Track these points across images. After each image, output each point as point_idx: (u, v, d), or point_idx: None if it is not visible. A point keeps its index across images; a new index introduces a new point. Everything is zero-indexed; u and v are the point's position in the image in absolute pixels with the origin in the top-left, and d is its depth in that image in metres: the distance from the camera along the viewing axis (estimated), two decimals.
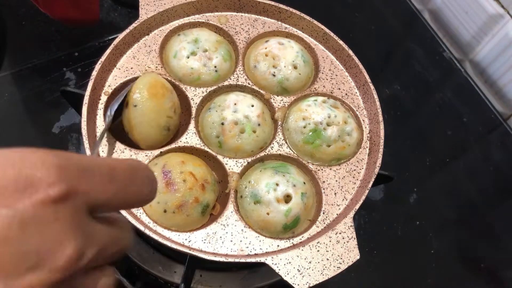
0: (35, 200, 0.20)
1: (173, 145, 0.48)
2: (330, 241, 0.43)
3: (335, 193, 0.48)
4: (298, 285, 0.41)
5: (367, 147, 0.52)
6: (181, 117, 0.51)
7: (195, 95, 0.51)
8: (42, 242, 0.20)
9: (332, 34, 0.57)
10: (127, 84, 0.49)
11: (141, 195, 0.26)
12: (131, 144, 0.48)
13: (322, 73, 0.56)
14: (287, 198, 0.46)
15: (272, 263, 0.41)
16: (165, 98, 0.46)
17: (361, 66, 0.55)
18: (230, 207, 0.46)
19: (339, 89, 0.55)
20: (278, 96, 0.53)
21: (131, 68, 0.52)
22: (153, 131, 0.46)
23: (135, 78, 0.49)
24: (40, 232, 0.20)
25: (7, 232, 0.19)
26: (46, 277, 0.20)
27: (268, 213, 0.45)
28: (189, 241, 0.43)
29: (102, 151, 0.46)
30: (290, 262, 0.42)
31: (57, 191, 0.20)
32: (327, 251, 0.43)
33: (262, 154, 0.49)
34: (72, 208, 0.21)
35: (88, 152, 0.44)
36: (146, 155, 0.47)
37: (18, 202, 0.20)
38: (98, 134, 0.47)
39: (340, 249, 0.43)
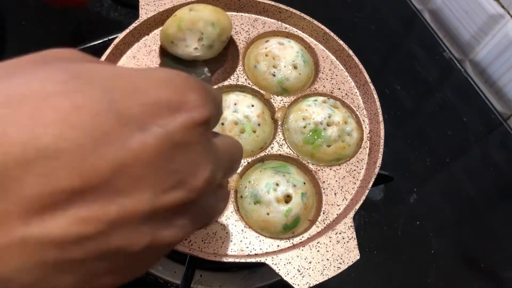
0: (185, 122, 0.21)
1: None
2: (330, 241, 0.43)
3: (335, 193, 0.48)
4: (298, 285, 0.41)
5: (367, 147, 0.52)
6: None
7: None
8: (187, 163, 0.21)
9: (332, 34, 0.57)
10: None
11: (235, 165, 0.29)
12: None
13: (322, 73, 0.56)
14: (287, 198, 0.46)
15: (272, 263, 0.41)
16: None
17: (361, 66, 0.55)
18: (230, 207, 0.46)
19: (339, 89, 0.55)
20: (278, 96, 0.53)
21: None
22: None
23: None
24: (185, 153, 0.21)
25: (159, 149, 0.19)
26: (185, 196, 0.21)
27: (268, 213, 0.45)
28: (189, 241, 0.43)
29: None
30: (290, 262, 0.42)
31: (202, 115, 0.22)
32: (327, 251, 0.43)
33: (262, 154, 0.49)
34: (209, 132, 0.23)
35: None
36: None
37: (170, 123, 0.20)
38: None
39: (340, 249, 0.43)
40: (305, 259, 0.42)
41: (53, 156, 0.17)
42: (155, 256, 0.22)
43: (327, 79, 0.56)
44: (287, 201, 0.45)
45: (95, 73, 0.20)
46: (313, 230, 0.46)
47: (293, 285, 0.41)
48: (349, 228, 0.44)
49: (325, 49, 0.59)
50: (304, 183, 0.47)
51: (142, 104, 0.20)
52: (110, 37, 0.71)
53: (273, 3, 0.58)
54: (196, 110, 0.21)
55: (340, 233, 0.44)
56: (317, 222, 0.46)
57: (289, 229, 0.45)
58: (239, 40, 0.57)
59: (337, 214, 0.47)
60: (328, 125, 0.50)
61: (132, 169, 0.19)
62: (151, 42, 0.54)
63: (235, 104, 0.50)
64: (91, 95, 0.18)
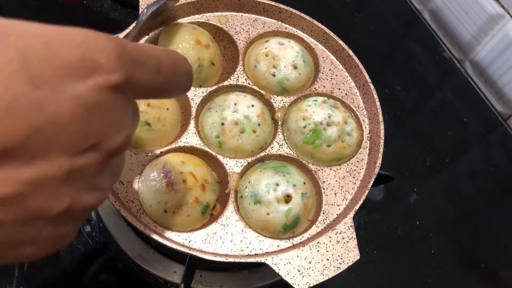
0: (99, 84, 0.20)
1: (173, 145, 0.48)
2: (330, 241, 0.43)
3: (335, 193, 0.48)
4: (298, 285, 0.41)
5: (367, 147, 0.52)
6: (174, 114, 0.51)
7: (195, 95, 0.51)
8: (102, 126, 0.21)
9: (332, 34, 0.57)
10: None
11: (179, 88, 0.27)
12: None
13: (322, 73, 0.56)
14: (287, 198, 0.46)
15: (272, 263, 0.41)
16: None
17: (361, 66, 0.55)
18: (230, 207, 0.46)
19: (339, 89, 0.55)
20: (278, 96, 0.53)
21: None
22: None
23: None
24: (100, 116, 0.21)
25: (73, 112, 0.19)
26: (100, 158, 0.21)
27: (268, 213, 0.45)
28: (189, 241, 0.43)
29: None
30: (290, 262, 0.42)
31: (118, 79, 0.21)
32: (327, 251, 0.43)
33: (262, 154, 0.49)
34: (127, 96, 0.23)
35: None
36: (146, 155, 0.47)
37: (83, 84, 0.20)
38: None
39: (340, 249, 0.43)
40: (305, 259, 0.42)
41: None
42: (75, 222, 0.22)
43: (327, 79, 0.56)
44: (287, 201, 0.45)
45: (11, 29, 0.19)
46: (313, 230, 0.46)
47: (293, 285, 0.41)
48: (349, 228, 0.44)
49: (325, 49, 0.59)
50: (304, 183, 0.47)
51: (55, 65, 0.19)
52: None
53: (273, 3, 0.58)
54: (108, 73, 0.21)
55: (340, 233, 0.44)
56: (317, 222, 0.46)
57: (289, 229, 0.45)
58: (239, 40, 0.57)
59: (337, 214, 0.47)
60: (328, 125, 0.50)
61: (46, 132, 0.19)
62: (151, 42, 0.54)
63: (235, 104, 0.50)
64: (4, 54, 0.18)
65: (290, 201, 0.45)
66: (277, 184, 0.46)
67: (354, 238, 0.44)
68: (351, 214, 0.45)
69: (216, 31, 0.57)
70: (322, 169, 0.50)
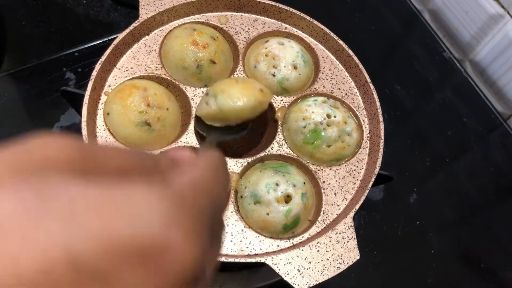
0: (167, 279, 0.15)
1: (173, 145, 0.48)
2: (330, 241, 0.43)
3: (335, 193, 0.48)
4: (298, 285, 0.41)
5: (367, 147, 0.52)
6: (174, 114, 0.51)
7: (195, 95, 0.51)
8: None
9: (332, 34, 0.57)
10: None
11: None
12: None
13: (322, 73, 0.56)
14: (287, 198, 0.46)
15: (272, 263, 0.41)
16: (132, 96, 0.47)
17: (361, 66, 0.55)
18: (230, 207, 0.46)
19: (339, 89, 0.55)
20: (278, 96, 0.53)
21: (131, 68, 0.52)
22: (129, 130, 0.46)
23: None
24: None
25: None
26: None
27: (268, 213, 0.45)
28: None
29: None
30: (290, 262, 0.42)
31: (192, 268, 0.16)
32: (327, 251, 0.43)
33: (262, 154, 0.49)
34: None
35: None
36: None
37: (144, 280, 0.15)
38: (98, 134, 0.47)
39: (340, 249, 0.43)
40: (305, 259, 0.42)
41: None
42: None
43: (327, 79, 0.56)
44: (287, 201, 0.45)
45: (67, 203, 0.15)
46: (313, 230, 0.46)
47: (293, 285, 0.41)
48: (349, 228, 0.44)
49: (325, 49, 0.59)
50: (304, 183, 0.47)
51: (106, 251, 0.14)
52: (110, 37, 0.71)
53: (273, 3, 0.58)
54: (183, 262, 0.15)
55: (340, 233, 0.44)
56: (317, 222, 0.46)
57: (289, 229, 0.45)
58: (239, 40, 0.57)
59: (337, 214, 0.47)
60: (328, 125, 0.50)
61: None
62: (151, 42, 0.54)
63: None
64: (48, 233, 0.14)
65: (290, 201, 0.45)
66: (277, 184, 0.46)
67: (354, 238, 0.44)
68: (351, 214, 0.45)
69: (216, 31, 0.57)
70: (322, 169, 0.50)
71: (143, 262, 0.14)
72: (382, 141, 0.50)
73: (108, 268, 0.14)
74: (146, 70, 0.52)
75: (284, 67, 0.54)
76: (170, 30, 0.55)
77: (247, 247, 0.43)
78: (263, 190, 0.45)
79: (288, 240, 0.45)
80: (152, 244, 0.14)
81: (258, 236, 0.44)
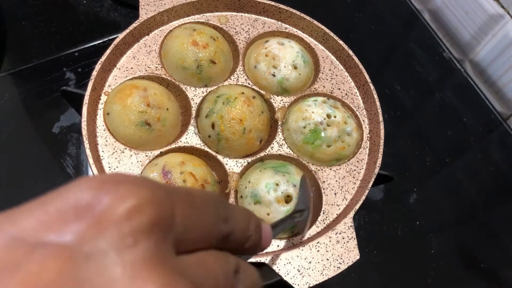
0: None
1: (173, 145, 0.48)
2: (330, 241, 0.43)
3: (335, 193, 0.48)
4: (298, 285, 0.41)
5: (367, 147, 0.52)
6: (174, 114, 0.51)
7: (195, 95, 0.51)
8: None
9: (332, 34, 0.57)
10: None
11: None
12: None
13: (322, 73, 0.56)
14: (287, 198, 0.46)
15: (272, 263, 0.41)
16: (132, 96, 0.47)
17: (361, 66, 0.55)
18: None
19: (339, 89, 0.55)
20: (278, 96, 0.53)
21: (131, 68, 0.52)
22: (129, 130, 0.46)
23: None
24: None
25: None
26: None
27: (268, 214, 0.45)
28: None
29: (102, 150, 0.46)
30: (290, 262, 0.42)
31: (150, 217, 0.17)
32: (327, 251, 0.43)
33: (262, 154, 0.49)
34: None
35: (88, 152, 0.44)
36: (146, 155, 0.47)
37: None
38: (98, 134, 0.47)
39: (340, 249, 0.43)
40: (305, 259, 0.42)
41: None
42: None
43: (327, 79, 0.56)
44: (287, 201, 0.45)
45: None
46: (313, 230, 0.46)
47: (293, 285, 0.41)
48: (349, 228, 0.44)
49: (325, 49, 0.59)
50: None
51: None
52: (110, 37, 0.71)
53: (273, 3, 0.58)
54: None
55: (340, 233, 0.44)
56: (317, 222, 0.46)
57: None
58: (239, 40, 0.57)
59: (337, 214, 0.47)
60: (328, 125, 0.50)
61: None
62: (151, 42, 0.54)
63: None
64: None
65: (290, 201, 0.45)
66: (277, 184, 0.46)
67: (354, 238, 0.44)
68: (351, 214, 0.45)
69: (216, 31, 0.57)
70: (322, 169, 0.50)
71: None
72: (382, 141, 0.50)
73: None
74: (146, 70, 0.52)
75: (284, 67, 0.54)
76: (170, 30, 0.55)
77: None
78: (263, 190, 0.45)
79: (288, 240, 0.45)
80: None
81: None
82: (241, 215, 0.23)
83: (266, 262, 0.41)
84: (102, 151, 0.46)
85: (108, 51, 0.50)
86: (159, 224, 0.16)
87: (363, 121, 0.54)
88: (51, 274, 0.14)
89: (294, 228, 0.45)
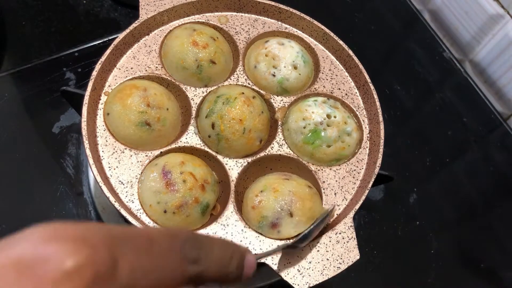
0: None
1: (173, 145, 0.48)
2: (330, 241, 0.43)
3: (335, 193, 0.48)
4: (298, 285, 0.41)
5: (367, 147, 0.52)
6: (174, 114, 0.51)
7: (195, 95, 0.51)
8: None
9: (332, 34, 0.57)
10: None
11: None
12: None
13: (322, 73, 0.56)
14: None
15: (272, 263, 0.41)
16: (132, 96, 0.47)
17: (361, 66, 0.55)
18: (230, 207, 0.46)
19: (339, 89, 0.55)
20: (278, 96, 0.53)
21: (131, 68, 0.52)
22: (129, 130, 0.46)
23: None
24: None
25: None
26: None
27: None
28: None
29: (102, 150, 0.46)
30: (290, 262, 0.42)
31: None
32: (327, 251, 0.43)
33: (262, 154, 0.49)
34: None
35: (88, 152, 0.44)
36: (146, 155, 0.47)
37: None
38: (98, 134, 0.47)
39: (340, 249, 0.43)
40: (305, 259, 0.42)
41: None
42: None
43: (327, 79, 0.56)
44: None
45: None
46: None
47: (293, 285, 0.41)
48: (349, 228, 0.44)
49: (325, 49, 0.59)
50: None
51: None
52: (110, 37, 0.71)
53: (273, 3, 0.58)
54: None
55: (340, 233, 0.44)
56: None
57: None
58: (239, 40, 0.57)
59: (337, 214, 0.47)
60: (328, 125, 0.50)
61: None
62: (151, 42, 0.54)
63: None
64: None
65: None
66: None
67: (354, 238, 0.44)
68: (351, 214, 0.45)
69: (216, 31, 0.57)
70: (322, 169, 0.50)
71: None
72: (382, 141, 0.50)
73: None
74: (146, 70, 0.52)
75: (284, 67, 0.54)
76: (170, 30, 0.55)
77: (247, 247, 0.43)
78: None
79: (288, 240, 0.45)
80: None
81: (258, 236, 0.44)
82: (218, 252, 0.23)
83: (266, 262, 0.41)
84: (102, 151, 0.46)
85: (108, 51, 0.50)
86: (98, 283, 0.17)
87: (363, 121, 0.54)
88: None
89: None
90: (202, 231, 0.44)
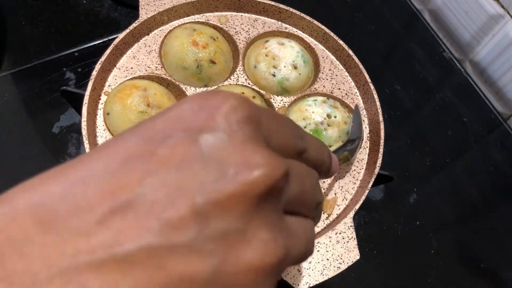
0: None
1: None
2: (330, 241, 0.43)
3: (335, 193, 0.48)
4: (298, 285, 0.41)
5: (367, 147, 0.52)
6: None
7: None
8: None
9: (332, 34, 0.57)
10: None
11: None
12: None
13: (322, 73, 0.56)
14: None
15: None
16: (131, 96, 0.47)
17: (361, 66, 0.55)
18: None
19: (339, 89, 0.55)
20: (278, 96, 0.53)
21: (131, 68, 0.52)
22: None
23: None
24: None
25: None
26: None
27: None
28: None
29: None
30: None
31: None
32: (327, 251, 0.43)
33: None
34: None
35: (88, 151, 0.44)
36: None
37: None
38: (98, 134, 0.47)
39: (340, 249, 0.43)
40: None
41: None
42: None
43: (327, 79, 0.56)
44: None
45: None
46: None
47: (293, 285, 0.41)
48: (349, 228, 0.44)
49: (325, 49, 0.59)
50: None
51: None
52: (110, 37, 0.71)
53: (273, 3, 0.58)
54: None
55: (340, 233, 0.44)
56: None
57: None
58: (239, 40, 0.57)
59: (337, 214, 0.47)
60: (328, 125, 0.50)
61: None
62: (151, 42, 0.54)
63: None
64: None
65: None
66: None
67: (354, 238, 0.44)
68: (351, 214, 0.45)
69: (216, 31, 0.57)
70: None
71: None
72: (382, 141, 0.50)
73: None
74: (146, 70, 0.52)
75: (284, 67, 0.54)
76: (170, 30, 0.55)
77: None
78: None
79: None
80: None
81: None
82: (314, 139, 0.25)
83: None
84: None
85: (108, 51, 0.50)
86: (252, 119, 0.20)
87: (363, 121, 0.54)
88: (181, 153, 0.18)
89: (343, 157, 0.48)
90: None
